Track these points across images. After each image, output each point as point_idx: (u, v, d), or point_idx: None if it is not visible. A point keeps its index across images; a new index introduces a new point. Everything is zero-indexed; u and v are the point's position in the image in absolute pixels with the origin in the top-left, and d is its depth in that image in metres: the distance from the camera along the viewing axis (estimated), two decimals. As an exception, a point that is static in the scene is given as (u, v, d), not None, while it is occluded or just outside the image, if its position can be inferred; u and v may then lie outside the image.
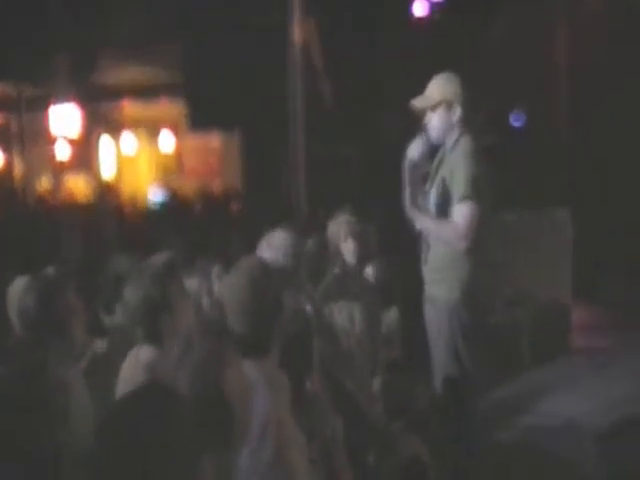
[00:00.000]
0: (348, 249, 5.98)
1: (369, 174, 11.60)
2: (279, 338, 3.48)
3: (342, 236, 5.99)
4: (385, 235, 6.43)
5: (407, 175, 5.22)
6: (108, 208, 12.83)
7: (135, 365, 3.70)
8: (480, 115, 5.40)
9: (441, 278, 5.24)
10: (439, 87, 5.32)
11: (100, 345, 4.54)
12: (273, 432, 3.26)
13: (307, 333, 3.89)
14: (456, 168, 5.15)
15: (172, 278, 3.82)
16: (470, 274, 5.15)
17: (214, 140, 17.93)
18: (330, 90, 12.44)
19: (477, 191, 5.06)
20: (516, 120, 13.16)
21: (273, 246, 4.93)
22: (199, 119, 14.85)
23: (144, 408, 2.00)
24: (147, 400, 2.03)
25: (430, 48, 12.04)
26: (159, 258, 3.84)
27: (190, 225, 10.81)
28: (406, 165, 5.28)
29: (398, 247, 6.19)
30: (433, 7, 13.52)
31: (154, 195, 16.95)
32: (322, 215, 6.73)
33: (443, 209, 5.22)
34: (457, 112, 5.26)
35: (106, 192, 15.45)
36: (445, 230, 5.16)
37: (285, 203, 10.49)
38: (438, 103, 5.29)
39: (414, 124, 5.49)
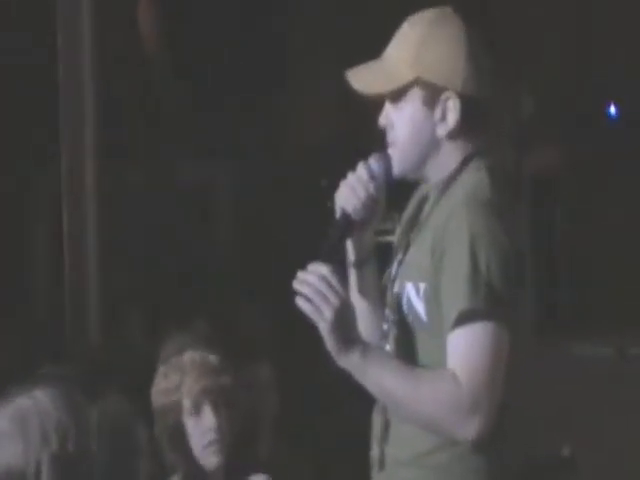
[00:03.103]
0: (198, 428, 2.92)
1: (250, 224, 7.03)
2: None
3: (186, 403, 2.93)
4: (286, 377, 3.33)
5: (328, 258, 2.51)
6: None
7: None
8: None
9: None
10: (413, 46, 2.56)
11: None
12: None
13: None
14: (450, 241, 2.49)
15: None
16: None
17: None
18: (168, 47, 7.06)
19: (500, 296, 2.44)
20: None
21: (22, 426, 2.33)
22: None
23: None
24: None
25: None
26: None
27: None
28: (332, 235, 2.55)
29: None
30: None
31: None
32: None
33: (418, 337, 2.54)
34: (453, 110, 2.52)
35: None
36: (425, 395, 2.45)
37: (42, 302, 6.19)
38: (408, 86, 2.54)
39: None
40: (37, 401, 2.24)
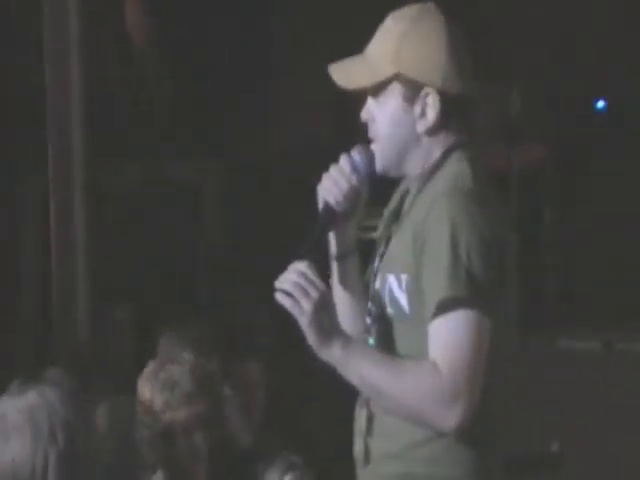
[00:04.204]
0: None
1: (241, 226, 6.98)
2: None
3: (178, 425, 2.82)
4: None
5: (310, 251, 2.46)
6: None
7: None
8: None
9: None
10: (395, 41, 2.49)
11: None
12: None
13: None
14: (431, 230, 2.41)
15: None
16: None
17: None
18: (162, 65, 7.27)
19: (482, 285, 2.35)
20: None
21: (31, 420, 2.36)
22: None
23: None
24: None
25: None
26: None
27: None
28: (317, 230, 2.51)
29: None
30: None
31: None
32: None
33: (401, 329, 2.45)
34: (433, 107, 2.47)
35: None
36: (407, 386, 2.36)
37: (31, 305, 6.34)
38: (389, 81, 2.49)
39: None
40: (46, 398, 2.23)
